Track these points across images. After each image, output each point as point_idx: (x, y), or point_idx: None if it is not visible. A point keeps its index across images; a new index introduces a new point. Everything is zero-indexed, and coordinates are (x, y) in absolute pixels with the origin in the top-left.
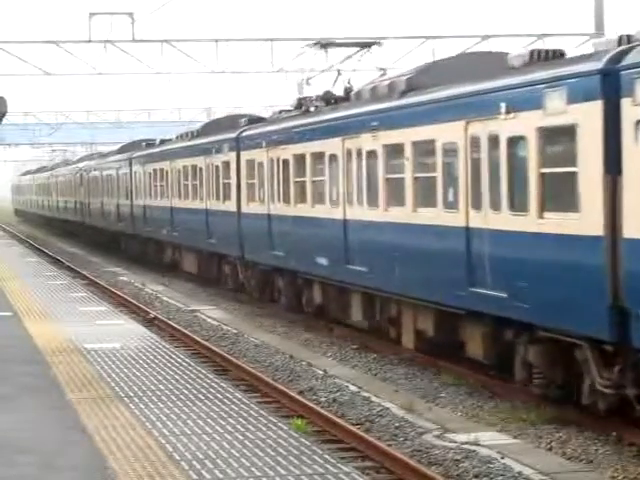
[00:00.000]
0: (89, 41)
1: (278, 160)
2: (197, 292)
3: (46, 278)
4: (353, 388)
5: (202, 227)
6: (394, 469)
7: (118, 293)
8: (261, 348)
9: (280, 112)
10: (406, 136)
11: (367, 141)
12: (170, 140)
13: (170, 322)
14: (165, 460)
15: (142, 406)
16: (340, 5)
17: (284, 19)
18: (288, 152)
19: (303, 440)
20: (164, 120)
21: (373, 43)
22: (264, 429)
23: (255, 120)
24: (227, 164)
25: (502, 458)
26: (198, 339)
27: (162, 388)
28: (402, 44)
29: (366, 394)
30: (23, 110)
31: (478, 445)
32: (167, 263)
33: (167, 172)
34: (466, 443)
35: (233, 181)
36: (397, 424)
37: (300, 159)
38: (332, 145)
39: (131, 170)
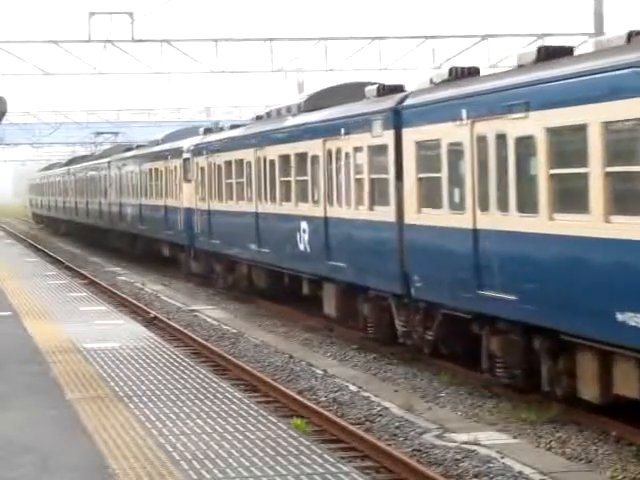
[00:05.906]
0: (89, 41)
1: None
2: (197, 292)
3: (46, 278)
4: (353, 388)
5: None
6: (394, 469)
7: (118, 293)
8: (261, 348)
9: None
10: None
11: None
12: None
13: (170, 322)
14: (165, 460)
15: (142, 406)
16: (340, 5)
17: (284, 19)
18: None
19: (303, 440)
20: (164, 120)
21: None
22: (264, 429)
23: None
24: None
25: (502, 458)
26: (198, 339)
27: (162, 388)
28: (402, 44)
29: (366, 394)
30: (23, 110)
31: (478, 445)
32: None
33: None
34: (466, 443)
35: None
36: (397, 424)
37: None
38: None
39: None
